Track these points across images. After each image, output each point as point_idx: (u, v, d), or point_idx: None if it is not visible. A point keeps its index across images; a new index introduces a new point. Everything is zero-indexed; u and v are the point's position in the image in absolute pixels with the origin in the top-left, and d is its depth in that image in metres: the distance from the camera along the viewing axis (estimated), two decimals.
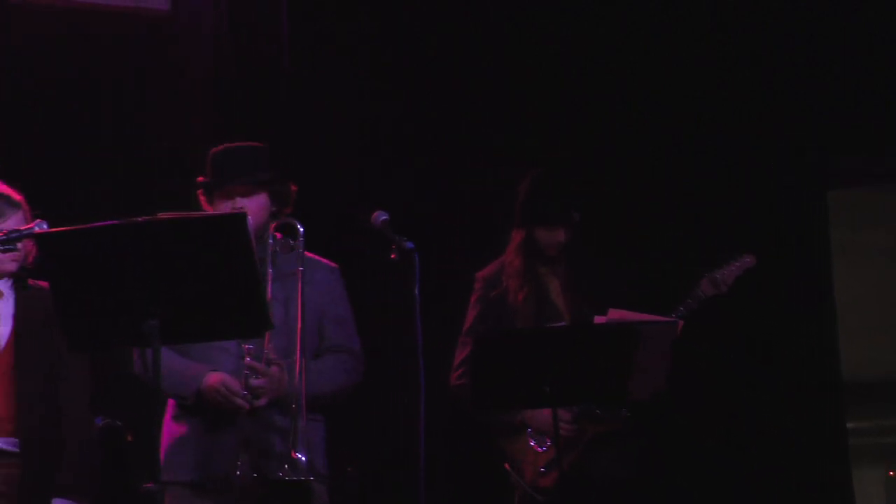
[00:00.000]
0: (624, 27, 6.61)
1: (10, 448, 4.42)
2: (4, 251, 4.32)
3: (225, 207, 4.48)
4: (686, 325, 5.06)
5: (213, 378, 4.38)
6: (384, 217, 4.45)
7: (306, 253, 4.48)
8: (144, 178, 6.24)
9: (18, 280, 4.51)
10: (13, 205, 4.49)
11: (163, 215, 3.70)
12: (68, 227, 3.69)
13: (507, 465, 5.15)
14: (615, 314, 4.82)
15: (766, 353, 6.28)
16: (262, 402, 4.35)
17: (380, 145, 6.65)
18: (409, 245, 4.34)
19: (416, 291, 4.27)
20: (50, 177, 5.86)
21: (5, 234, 4.09)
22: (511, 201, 5.34)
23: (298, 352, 4.38)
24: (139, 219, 3.65)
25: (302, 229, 4.45)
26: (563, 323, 5.12)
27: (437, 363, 5.04)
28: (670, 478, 6.15)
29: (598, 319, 4.88)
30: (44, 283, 4.35)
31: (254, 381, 4.35)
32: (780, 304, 6.29)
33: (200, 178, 4.56)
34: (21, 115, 6.19)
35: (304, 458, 4.30)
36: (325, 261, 4.65)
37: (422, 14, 6.67)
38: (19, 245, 4.33)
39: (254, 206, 4.47)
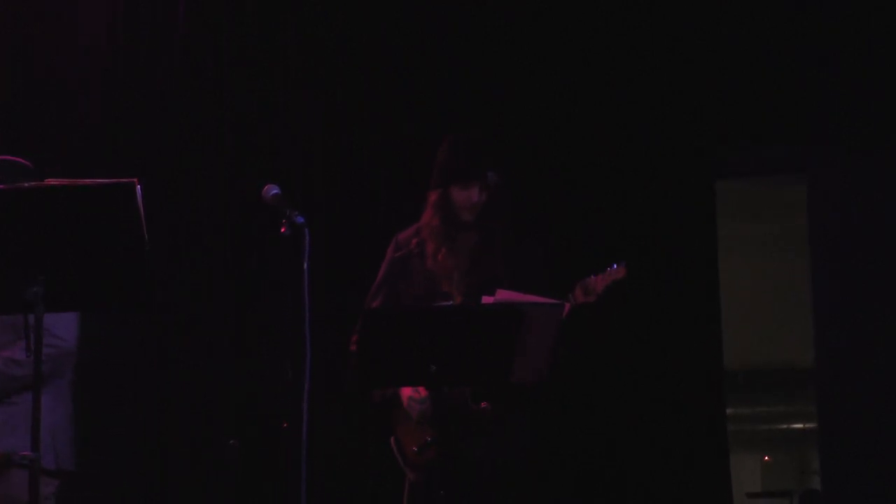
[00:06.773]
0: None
1: None
2: None
3: None
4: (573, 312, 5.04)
5: None
6: (275, 191, 4.43)
7: None
8: None
9: None
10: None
11: (50, 181, 3.67)
12: None
13: (392, 440, 5.13)
14: (503, 294, 4.82)
15: (652, 340, 6.35)
16: None
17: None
18: (300, 219, 4.33)
19: (306, 265, 4.27)
20: None
21: None
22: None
23: None
24: (25, 185, 3.62)
25: None
26: (451, 301, 5.11)
27: None
28: (551, 462, 6.21)
29: (485, 299, 4.88)
30: None
31: None
32: (665, 292, 6.36)
33: None
34: None
35: None
36: None
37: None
38: None
39: None
